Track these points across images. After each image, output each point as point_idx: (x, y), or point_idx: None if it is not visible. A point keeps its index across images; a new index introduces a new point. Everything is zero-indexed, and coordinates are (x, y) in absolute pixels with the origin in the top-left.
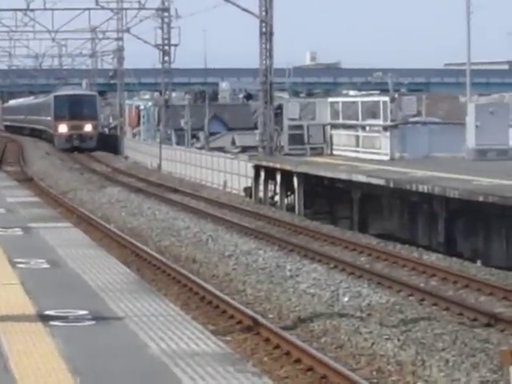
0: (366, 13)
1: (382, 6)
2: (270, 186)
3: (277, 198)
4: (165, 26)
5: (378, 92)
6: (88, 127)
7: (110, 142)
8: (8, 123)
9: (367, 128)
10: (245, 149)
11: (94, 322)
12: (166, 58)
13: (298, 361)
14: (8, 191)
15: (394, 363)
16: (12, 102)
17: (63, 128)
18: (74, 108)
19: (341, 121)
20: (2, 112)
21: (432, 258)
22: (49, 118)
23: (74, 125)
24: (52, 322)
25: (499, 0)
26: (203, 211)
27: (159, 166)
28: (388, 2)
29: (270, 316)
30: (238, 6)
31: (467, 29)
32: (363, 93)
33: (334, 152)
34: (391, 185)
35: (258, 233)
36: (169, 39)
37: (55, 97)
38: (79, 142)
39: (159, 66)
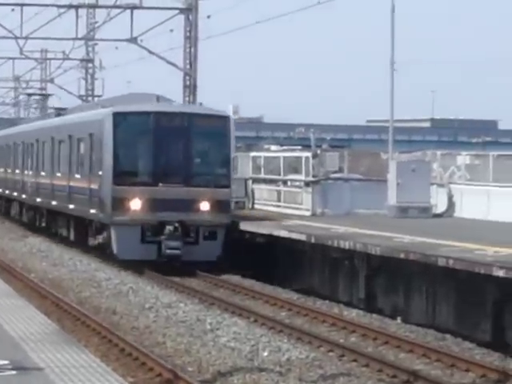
0: (290, 68)
1: (305, 62)
2: None
3: None
4: (89, 76)
5: (300, 147)
6: (205, 206)
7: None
8: None
9: (289, 183)
10: None
11: (14, 372)
12: None
13: None
14: None
15: None
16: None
17: (136, 204)
18: (174, 152)
19: (262, 175)
20: None
21: (352, 314)
22: (95, 179)
23: (168, 198)
24: None
25: (422, 57)
26: (124, 263)
27: None
28: (311, 58)
29: (190, 369)
30: (163, 59)
31: (391, 86)
32: (285, 148)
33: (256, 206)
34: (312, 240)
35: (178, 285)
36: (92, 90)
37: (116, 115)
38: (180, 243)
39: None
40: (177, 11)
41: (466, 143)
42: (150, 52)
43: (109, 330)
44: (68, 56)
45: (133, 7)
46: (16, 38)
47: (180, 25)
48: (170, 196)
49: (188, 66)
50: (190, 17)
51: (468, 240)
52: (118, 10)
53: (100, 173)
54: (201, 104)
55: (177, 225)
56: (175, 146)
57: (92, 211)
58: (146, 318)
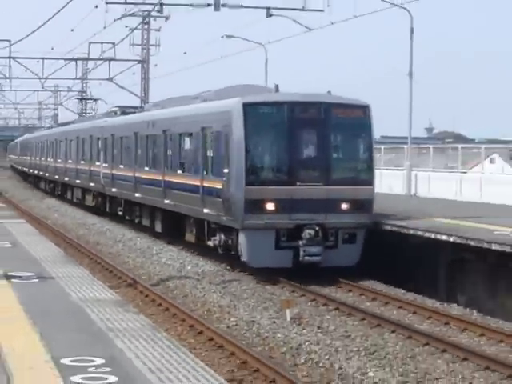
0: None
1: None
2: None
3: None
4: (83, 102)
5: None
6: (345, 206)
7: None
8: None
9: None
10: None
11: (37, 280)
12: None
13: (159, 305)
14: None
15: (217, 306)
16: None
17: (271, 206)
18: (311, 147)
19: None
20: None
21: None
22: (212, 177)
23: (306, 198)
24: (13, 280)
25: None
26: (106, 214)
27: None
28: None
29: (143, 277)
30: (128, 90)
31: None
32: None
33: None
34: None
35: (136, 226)
36: (85, 110)
37: (246, 106)
38: (321, 248)
39: None
40: (136, 62)
41: None
42: (120, 86)
43: (95, 254)
44: (71, 89)
45: (110, 59)
46: (39, 78)
47: (138, 70)
48: (309, 196)
49: (143, 95)
50: (145, 65)
51: None
52: (101, 61)
53: (225, 170)
54: (329, 92)
55: (317, 228)
56: (312, 139)
57: (206, 211)
58: (117, 246)
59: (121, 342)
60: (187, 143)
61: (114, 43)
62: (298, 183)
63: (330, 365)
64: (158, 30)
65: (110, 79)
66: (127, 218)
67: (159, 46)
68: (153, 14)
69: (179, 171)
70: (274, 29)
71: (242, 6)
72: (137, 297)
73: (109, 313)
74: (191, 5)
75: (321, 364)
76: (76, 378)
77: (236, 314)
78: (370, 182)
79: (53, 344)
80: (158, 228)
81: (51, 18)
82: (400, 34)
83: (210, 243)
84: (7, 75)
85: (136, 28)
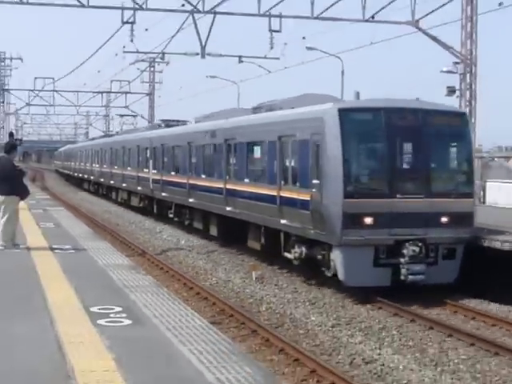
0: None
1: None
2: None
3: None
4: (107, 123)
5: None
6: (446, 219)
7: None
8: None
9: None
10: None
11: (73, 251)
12: None
13: (161, 268)
14: (37, 193)
15: (203, 270)
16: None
17: (370, 221)
18: (410, 156)
19: None
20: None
21: None
22: (304, 191)
23: (407, 211)
24: (56, 250)
25: None
26: (125, 204)
27: None
28: None
29: (150, 249)
30: (140, 116)
31: None
32: None
33: None
34: None
35: (144, 211)
36: (108, 130)
37: (342, 112)
38: (425, 265)
39: None
40: (145, 94)
41: None
42: (133, 111)
43: (115, 232)
44: (98, 114)
45: (126, 92)
46: (75, 105)
47: (146, 100)
48: (410, 209)
49: (150, 118)
50: (151, 97)
51: None
52: (119, 94)
53: (315, 181)
54: (417, 99)
55: (420, 244)
56: (410, 148)
57: (284, 222)
58: (130, 227)
59: (134, 295)
60: (257, 152)
61: (129, 81)
62: (397, 195)
63: (283, 312)
64: (161, 72)
65: (126, 107)
66: (176, 219)
67: (162, 82)
68: (157, 60)
69: (246, 180)
70: (244, 71)
71: (221, 55)
72: (145, 263)
73: (125, 274)
74: (185, 53)
75: (277, 311)
76: (101, 322)
77: (216, 275)
78: (470, 194)
79: (84, 297)
80: (214, 232)
81: (84, 63)
82: (335, 76)
83: (289, 255)
84: (52, 103)
85: (145, 70)
